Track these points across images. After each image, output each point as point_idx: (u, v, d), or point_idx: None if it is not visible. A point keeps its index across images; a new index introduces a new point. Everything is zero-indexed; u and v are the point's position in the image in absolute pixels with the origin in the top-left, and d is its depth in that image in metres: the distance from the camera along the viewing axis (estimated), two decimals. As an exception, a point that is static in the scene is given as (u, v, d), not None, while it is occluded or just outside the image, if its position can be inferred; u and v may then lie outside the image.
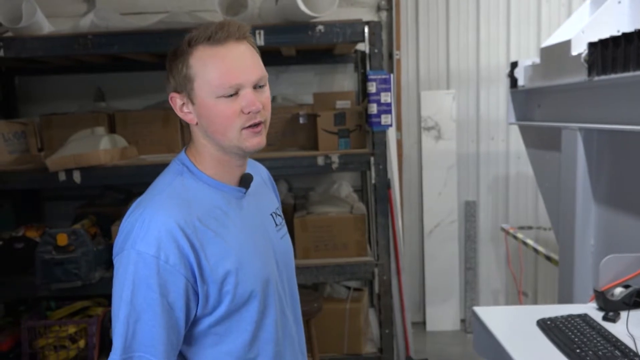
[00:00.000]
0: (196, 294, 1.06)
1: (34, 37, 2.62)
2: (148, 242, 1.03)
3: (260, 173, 1.34)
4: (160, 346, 1.02)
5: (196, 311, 1.08)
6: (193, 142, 1.16)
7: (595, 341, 1.34)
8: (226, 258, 1.08)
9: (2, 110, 3.34)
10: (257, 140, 1.12)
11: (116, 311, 1.04)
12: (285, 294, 1.23)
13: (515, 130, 3.23)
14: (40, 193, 3.47)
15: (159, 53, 2.97)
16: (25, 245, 2.66)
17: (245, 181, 1.18)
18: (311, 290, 3.08)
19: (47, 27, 2.78)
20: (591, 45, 1.90)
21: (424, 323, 3.86)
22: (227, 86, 1.07)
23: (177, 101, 1.13)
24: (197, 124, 1.12)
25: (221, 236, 1.09)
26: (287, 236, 1.30)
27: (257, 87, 1.11)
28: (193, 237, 1.05)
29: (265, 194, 1.30)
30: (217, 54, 1.08)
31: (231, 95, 1.08)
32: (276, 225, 1.26)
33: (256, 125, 1.10)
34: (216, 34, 1.07)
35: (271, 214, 1.27)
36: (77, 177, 2.59)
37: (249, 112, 1.09)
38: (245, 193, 1.18)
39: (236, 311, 1.10)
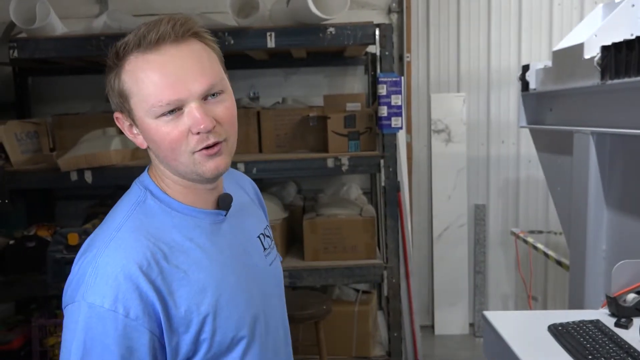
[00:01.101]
0: (163, 347, 0.87)
1: (47, 38, 2.64)
2: (102, 292, 0.83)
3: (244, 188, 1.15)
4: None
5: None
6: (154, 165, 0.97)
7: (607, 347, 1.33)
8: (200, 302, 0.89)
9: (15, 110, 3.37)
10: (215, 164, 0.91)
11: None
12: (278, 330, 1.06)
13: (525, 134, 3.21)
14: (52, 192, 3.50)
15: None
16: (37, 244, 2.68)
17: (223, 203, 0.99)
18: (320, 292, 3.08)
19: (60, 28, 2.80)
20: (604, 48, 1.88)
21: (432, 327, 3.84)
22: (163, 103, 0.86)
23: (123, 122, 0.94)
24: (146, 146, 0.94)
25: (193, 275, 0.90)
26: (277, 260, 1.12)
27: (208, 97, 0.90)
28: (158, 281, 0.86)
29: (251, 213, 1.10)
30: (150, 63, 0.87)
31: (173, 112, 0.87)
32: (264, 249, 1.07)
33: (210, 146, 0.90)
34: (145, 38, 0.86)
35: (258, 236, 1.07)
36: (88, 177, 2.61)
37: (197, 133, 0.88)
38: (225, 216, 0.99)
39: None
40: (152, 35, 0.86)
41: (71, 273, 0.90)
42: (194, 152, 0.90)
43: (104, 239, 0.89)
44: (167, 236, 0.91)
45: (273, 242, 1.13)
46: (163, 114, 0.88)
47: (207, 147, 0.90)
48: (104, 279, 0.84)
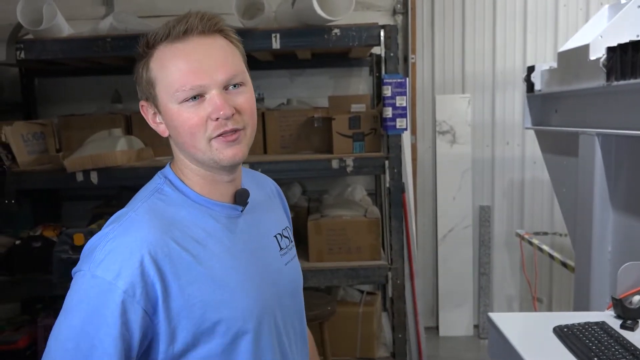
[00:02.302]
0: (154, 333, 0.89)
1: (54, 39, 2.66)
2: (107, 266, 0.87)
3: (264, 187, 1.17)
4: None
5: (155, 354, 0.90)
6: (175, 156, 1.02)
7: (613, 349, 1.33)
8: (206, 290, 0.91)
9: (21, 111, 3.39)
10: (233, 152, 0.94)
11: (57, 335, 0.87)
12: (288, 331, 1.05)
13: (530, 135, 3.21)
14: (58, 193, 3.52)
15: (176, 56, 3.00)
16: (43, 244, 2.70)
17: (240, 198, 1.02)
18: (324, 293, 3.08)
19: (66, 29, 2.82)
20: (610, 49, 1.88)
21: (437, 328, 3.84)
22: (187, 88, 0.91)
23: (147, 110, 0.99)
24: (169, 135, 0.99)
25: (203, 263, 0.92)
26: (295, 261, 1.12)
27: (229, 87, 0.94)
28: (165, 263, 0.88)
29: (271, 212, 1.12)
30: (177, 51, 0.93)
31: (195, 99, 0.92)
32: (281, 248, 1.08)
33: (229, 133, 0.93)
34: (174, 29, 0.92)
35: (275, 236, 1.09)
36: (94, 177, 2.62)
37: (217, 119, 0.92)
38: (241, 211, 1.02)
39: (216, 355, 0.92)
40: (180, 26, 0.92)
41: (85, 246, 0.94)
42: (211, 139, 0.94)
43: (119, 218, 0.94)
44: (181, 223, 0.94)
45: (292, 243, 1.14)
46: (186, 100, 0.92)
47: (225, 134, 0.93)
48: (112, 255, 0.88)
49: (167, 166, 1.03)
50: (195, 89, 0.92)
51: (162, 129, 0.99)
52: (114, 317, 0.85)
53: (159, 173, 1.03)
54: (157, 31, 0.94)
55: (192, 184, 0.99)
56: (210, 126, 0.93)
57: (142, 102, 1.00)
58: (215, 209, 0.99)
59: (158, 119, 0.99)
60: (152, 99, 0.97)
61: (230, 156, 0.95)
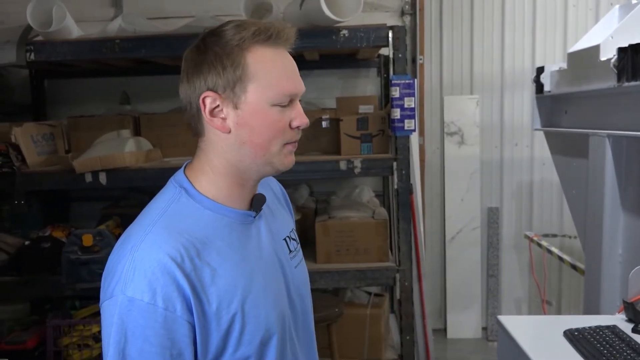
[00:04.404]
0: (195, 342, 0.90)
1: (63, 41, 2.67)
2: (141, 286, 0.86)
3: (273, 189, 1.16)
4: None
5: None
6: (200, 159, 1.00)
7: (624, 354, 1.31)
8: (230, 300, 0.92)
9: (31, 113, 3.42)
10: (292, 159, 1.00)
11: None
12: (298, 333, 1.06)
13: (539, 136, 3.18)
14: (67, 194, 3.54)
15: (184, 57, 3.01)
16: (52, 245, 2.71)
17: (257, 203, 1.02)
18: (332, 295, 3.08)
19: (76, 31, 2.84)
20: (621, 50, 1.86)
21: (444, 330, 3.82)
22: (287, 93, 0.95)
23: (209, 102, 0.95)
24: (229, 132, 0.96)
25: (224, 273, 0.92)
26: (303, 263, 1.13)
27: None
28: (192, 276, 0.89)
29: (279, 215, 1.12)
30: (278, 57, 0.96)
31: (284, 106, 0.96)
32: (290, 251, 1.09)
33: (294, 142, 0.99)
34: (277, 36, 0.95)
35: (285, 239, 1.09)
36: (102, 178, 2.63)
37: (296, 127, 0.97)
38: (255, 217, 1.02)
39: None
40: (281, 35, 0.95)
41: (106, 269, 0.93)
42: (285, 144, 0.97)
43: (139, 235, 0.92)
44: (200, 233, 0.94)
45: (299, 245, 1.15)
46: (279, 104, 0.95)
47: (293, 143, 0.99)
48: (142, 274, 0.87)
49: (181, 173, 1.01)
50: (291, 96, 0.96)
51: (219, 124, 0.96)
52: (160, 336, 0.86)
53: (172, 181, 1.01)
54: (252, 29, 0.94)
55: (209, 192, 0.98)
56: (288, 133, 0.97)
57: (207, 93, 0.95)
58: (231, 215, 0.98)
59: (223, 113, 0.95)
60: (230, 92, 0.94)
61: (290, 163, 0.99)
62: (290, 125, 0.97)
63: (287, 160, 0.99)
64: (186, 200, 0.97)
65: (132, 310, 0.86)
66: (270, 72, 0.95)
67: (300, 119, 0.97)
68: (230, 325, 0.91)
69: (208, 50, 0.95)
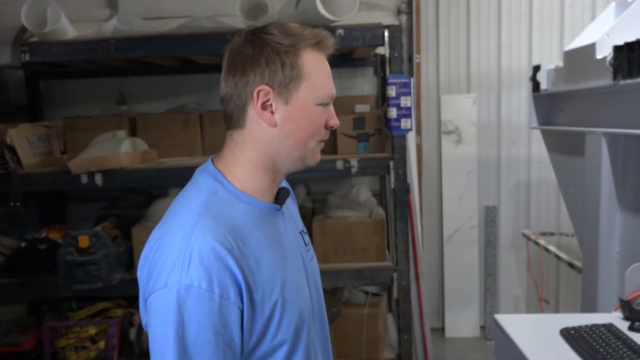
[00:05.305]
0: (242, 328, 0.94)
1: (58, 41, 2.66)
2: (197, 273, 0.89)
3: (285, 185, 1.21)
4: None
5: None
6: (234, 152, 1.04)
7: (621, 352, 1.31)
8: (272, 288, 0.97)
9: (27, 113, 3.40)
10: (319, 156, 1.09)
11: (160, 353, 0.91)
12: (315, 321, 1.12)
13: (536, 135, 3.19)
14: (63, 195, 3.53)
15: (181, 57, 3.00)
16: (48, 246, 2.70)
17: (281, 197, 1.09)
18: (329, 295, 3.07)
19: (71, 31, 2.82)
20: (617, 48, 1.86)
21: (443, 329, 3.82)
22: (330, 95, 1.05)
23: (262, 95, 1.00)
24: (275, 125, 1.01)
25: (264, 263, 0.97)
26: (315, 257, 1.20)
27: None
28: (243, 263, 0.93)
29: (292, 210, 1.20)
30: (323, 61, 1.05)
31: (325, 106, 1.05)
32: (305, 244, 1.16)
33: (324, 141, 1.09)
34: (324, 42, 1.04)
35: (300, 232, 1.16)
36: (98, 179, 2.62)
37: (330, 127, 1.07)
38: (279, 210, 1.08)
39: (272, 352, 0.98)
40: (326, 42, 1.05)
41: (150, 261, 0.95)
42: (319, 141, 1.06)
43: (185, 225, 0.94)
44: (240, 224, 0.98)
45: (309, 239, 1.21)
46: (322, 103, 1.04)
47: (323, 142, 1.08)
48: (198, 261, 0.90)
49: (210, 166, 1.05)
50: (332, 98, 1.06)
51: (268, 117, 1.01)
52: (214, 322, 0.89)
53: (204, 174, 1.04)
54: (302, 36, 1.02)
55: (242, 184, 1.03)
56: (322, 132, 1.06)
57: (263, 87, 1.00)
58: (262, 208, 1.04)
59: (273, 107, 1.01)
60: (284, 88, 1.00)
61: (317, 159, 1.08)
62: (325, 124, 1.06)
63: (316, 156, 1.07)
64: (223, 193, 1.01)
65: (189, 298, 0.89)
66: (319, 74, 1.03)
67: (334, 119, 1.07)
68: (272, 312, 0.96)
69: (265, 46, 1.00)
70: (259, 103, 1.00)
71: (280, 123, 1.02)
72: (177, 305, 0.89)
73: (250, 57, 1.00)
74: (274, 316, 0.96)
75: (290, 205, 1.18)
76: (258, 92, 1.00)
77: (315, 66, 1.03)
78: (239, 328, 0.93)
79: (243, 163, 1.03)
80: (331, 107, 1.07)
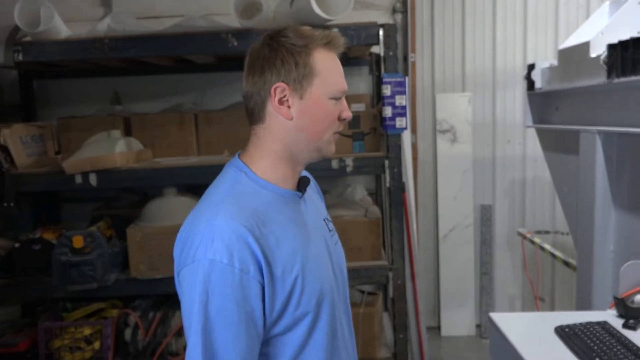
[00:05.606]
0: (264, 301, 1.04)
1: (52, 41, 2.65)
2: (219, 250, 1.01)
3: (308, 175, 1.32)
4: (240, 358, 1.01)
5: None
6: (257, 146, 1.15)
7: (615, 349, 1.31)
8: (293, 265, 1.07)
9: (20, 113, 3.39)
10: (334, 147, 1.19)
11: (188, 322, 1.03)
12: (340, 301, 1.21)
13: (532, 133, 3.19)
14: (57, 195, 3.51)
15: (175, 56, 2.99)
16: (42, 246, 2.69)
17: (302, 185, 1.19)
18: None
19: (64, 31, 2.81)
20: (611, 47, 1.86)
21: (438, 328, 3.83)
22: (341, 89, 1.15)
23: (279, 92, 1.11)
24: (291, 119, 1.12)
25: (284, 242, 1.08)
26: (339, 243, 1.29)
27: None
28: (262, 242, 1.04)
29: (315, 200, 1.29)
30: (334, 59, 1.15)
31: (337, 100, 1.14)
32: (329, 230, 1.26)
33: (338, 132, 1.18)
34: (334, 41, 1.13)
35: (324, 220, 1.26)
36: (93, 179, 2.61)
37: (343, 119, 1.16)
38: (301, 197, 1.19)
39: (295, 324, 1.08)
40: (336, 41, 1.14)
41: (181, 241, 1.08)
42: (333, 133, 1.16)
43: (212, 209, 1.07)
44: (261, 209, 1.09)
45: (334, 227, 1.30)
46: (335, 98, 1.14)
47: (338, 133, 1.17)
48: (220, 239, 1.02)
49: (237, 160, 1.17)
50: (344, 92, 1.16)
51: (285, 112, 1.12)
52: (235, 294, 1.00)
53: (231, 167, 1.16)
54: (314, 37, 1.12)
55: (264, 174, 1.14)
56: (336, 124, 1.16)
57: (280, 84, 1.11)
58: (285, 194, 1.15)
59: (289, 102, 1.12)
60: (299, 84, 1.11)
61: (333, 150, 1.18)
62: (339, 117, 1.15)
63: (331, 147, 1.17)
64: (247, 182, 1.13)
65: (213, 271, 1.00)
66: (330, 71, 1.13)
67: (347, 112, 1.17)
68: (293, 287, 1.06)
69: (281, 48, 1.11)
70: (276, 99, 1.11)
71: (296, 116, 1.12)
72: (203, 278, 1.00)
73: (267, 58, 1.11)
74: (294, 290, 1.06)
75: (314, 195, 1.29)
76: (275, 89, 1.11)
77: (326, 64, 1.12)
78: (259, 301, 1.03)
79: (265, 155, 1.14)
80: (344, 101, 1.16)
